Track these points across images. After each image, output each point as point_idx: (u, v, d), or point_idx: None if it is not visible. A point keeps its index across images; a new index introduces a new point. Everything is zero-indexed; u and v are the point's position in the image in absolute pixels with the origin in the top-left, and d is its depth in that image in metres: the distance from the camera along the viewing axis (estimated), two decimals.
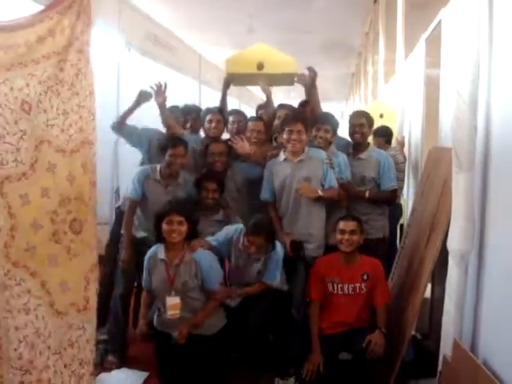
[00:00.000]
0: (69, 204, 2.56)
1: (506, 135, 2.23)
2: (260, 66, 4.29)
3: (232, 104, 5.06)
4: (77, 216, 2.61)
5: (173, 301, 3.17)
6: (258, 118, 4.37)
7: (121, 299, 3.85)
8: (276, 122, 4.18)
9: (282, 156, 3.74)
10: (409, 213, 4.22)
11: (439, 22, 3.96)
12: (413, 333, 3.50)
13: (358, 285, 3.41)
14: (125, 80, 5.69)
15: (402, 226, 5.01)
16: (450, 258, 2.55)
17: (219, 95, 4.71)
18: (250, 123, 4.21)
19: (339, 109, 22.37)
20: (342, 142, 4.23)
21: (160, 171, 3.79)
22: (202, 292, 3.20)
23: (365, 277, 3.40)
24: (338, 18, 9.54)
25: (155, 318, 3.30)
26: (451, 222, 2.54)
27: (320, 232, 3.68)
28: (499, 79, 2.33)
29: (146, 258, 3.28)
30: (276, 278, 3.49)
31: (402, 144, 5.31)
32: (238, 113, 4.64)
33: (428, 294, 3.56)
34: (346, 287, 3.42)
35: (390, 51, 7.30)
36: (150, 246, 3.37)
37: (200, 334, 3.16)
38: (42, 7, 2.76)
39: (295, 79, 4.38)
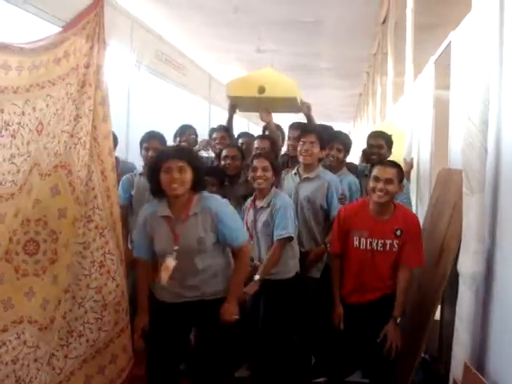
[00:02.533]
0: (27, 225, 2.53)
1: None
2: (261, 90, 4.21)
3: (241, 123, 5.08)
4: (34, 237, 2.58)
5: (167, 262, 2.74)
6: (264, 137, 4.37)
7: None
8: (288, 142, 4.22)
9: (294, 170, 3.76)
10: None
11: (449, 44, 3.97)
12: (422, 355, 3.47)
13: (389, 241, 3.03)
14: (135, 99, 5.74)
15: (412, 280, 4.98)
16: (460, 280, 2.53)
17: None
18: (256, 141, 4.23)
19: (346, 129, 22.42)
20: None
21: (143, 169, 3.81)
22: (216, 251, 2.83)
23: (398, 232, 3.02)
24: (346, 38, 9.65)
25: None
26: (462, 244, 2.52)
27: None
28: (509, 102, 2.34)
29: (141, 220, 2.86)
30: (288, 228, 3.25)
31: (410, 166, 5.29)
32: (247, 135, 4.75)
33: (437, 315, 3.53)
34: (374, 242, 3.05)
35: (399, 72, 7.34)
36: None
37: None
38: (51, 26, 2.83)
39: (299, 106, 4.39)
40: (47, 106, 2.48)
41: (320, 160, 3.74)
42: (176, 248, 2.71)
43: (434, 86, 4.76)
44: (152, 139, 3.80)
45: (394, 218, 3.06)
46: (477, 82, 2.42)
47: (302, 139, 3.63)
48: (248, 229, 3.39)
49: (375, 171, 3.04)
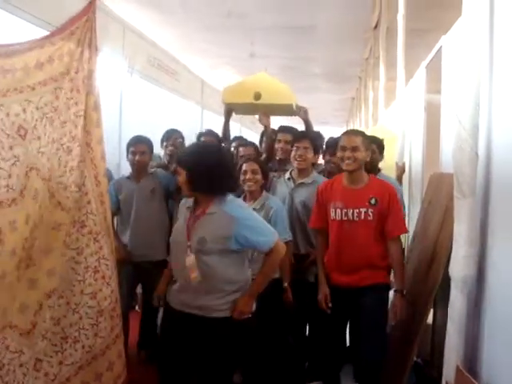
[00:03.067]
0: (36, 230, 2.55)
1: (507, 161, 2.24)
2: (257, 96, 4.25)
3: (233, 127, 5.09)
4: (39, 243, 2.60)
5: (187, 261, 2.62)
6: (248, 144, 4.37)
7: None
8: (277, 145, 4.12)
9: (287, 174, 3.77)
10: (410, 238, 4.22)
11: (440, 48, 4.00)
12: (415, 359, 3.47)
13: (363, 210, 3.06)
14: (127, 104, 5.74)
15: (402, 251, 4.99)
16: (452, 283, 2.54)
17: (221, 120, 4.76)
18: (240, 149, 4.22)
19: (339, 133, 22.39)
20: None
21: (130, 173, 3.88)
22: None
23: (372, 201, 3.06)
24: (339, 43, 9.67)
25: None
26: (453, 247, 2.53)
27: None
28: (500, 106, 2.35)
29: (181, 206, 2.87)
30: (287, 231, 3.40)
31: (402, 170, 5.31)
32: (241, 139, 4.82)
33: (430, 319, 3.54)
34: (350, 212, 3.08)
35: (391, 77, 7.36)
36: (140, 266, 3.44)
37: None
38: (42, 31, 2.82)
39: (295, 110, 4.39)
40: (24, 110, 2.46)
41: (314, 165, 3.80)
42: (189, 244, 2.62)
43: (426, 91, 4.79)
44: (139, 143, 3.85)
45: (367, 187, 3.12)
46: (467, 86, 2.43)
47: (295, 144, 3.66)
48: None
49: (341, 141, 3.12)
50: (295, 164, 3.67)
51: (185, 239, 2.65)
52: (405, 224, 3.24)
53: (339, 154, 3.12)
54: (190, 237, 2.64)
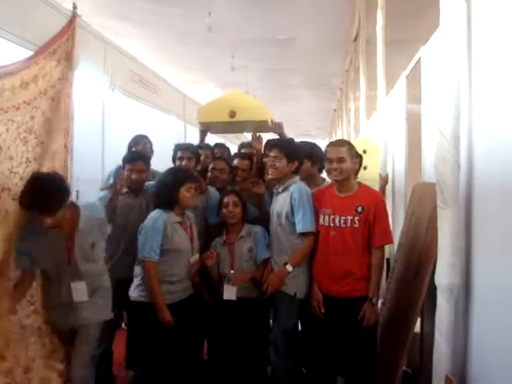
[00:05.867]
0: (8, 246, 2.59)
1: (488, 170, 2.27)
2: (232, 114, 4.23)
3: (217, 141, 5.13)
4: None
5: (195, 258, 3.45)
6: (245, 156, 4.29)
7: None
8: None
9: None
10: (395, 248, 4.24)
11: (419, 59, 4.04)
12: (404, 368, 3.47)
13: (350, 217, 3.13)
14: (109, 120, 5.72)
15: (388, 261, 5.01)
16: (438, 292, 2.55)
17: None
18: (236, 160, 4.19)
19: (322, 144, 22.44)
20: None
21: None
22: None
23: (359, 209, 3.12)
24: (319, 55, 9.75)
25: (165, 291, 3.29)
26: (438, 256, 2.55)
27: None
28: (480, 115, 2.38)
29: (159, 224, 3.29)
30: (266, 251, 3.53)
31: (385, 181, 5.33)
32: (222, 146, 4.90)
33: (417, 328, 3.55)
34: (337, 219, 3.16)
35: (371, 88, 7.42)
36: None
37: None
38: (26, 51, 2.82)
39: (270, 126, 4.38)
40: (7, 130, 2.45)
41: (296, 172, 3.53)
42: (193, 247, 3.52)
43: (406, 101, 4.83)
44: (136, 161, 3.74)
45: (355, 195, 3.20)
46: (447, 97, 2.46)
47: (266, 154, 3.55)
48: (227, 262, 3.57)
49: (327, 153, 3.20)
50: (267, 175, 3.54)
51: (190, 244, 3.42)
52: (391, 235, 3.29)
53: (326, 166, 3.19)
54: (193, 242, 3.44)
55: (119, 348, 3.99)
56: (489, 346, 2.24)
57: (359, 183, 3.29)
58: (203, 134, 4.64)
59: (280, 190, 3.48)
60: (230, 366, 3.56)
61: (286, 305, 3.40)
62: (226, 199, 3.55)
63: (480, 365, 2.36)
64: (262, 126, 4.42)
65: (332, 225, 3.19)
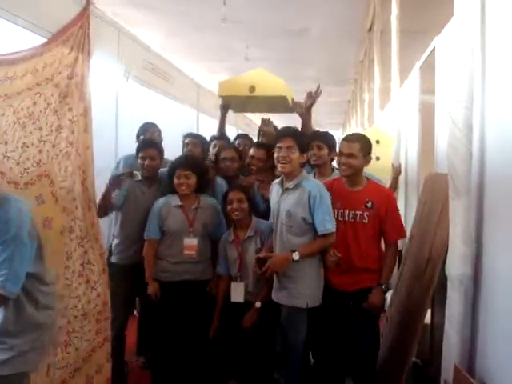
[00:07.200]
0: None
1: (500, 160, 2.25)
2: (251, 89, 4.27)
3: (229, 131, 5.12)
4: None
5: (191, 242, 3.53)
6: (260, 145, 4.24)
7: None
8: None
9: (279, 178, 3.40)
10: (407, 239, 4.23)
11: (433, 49, 4.01)
12: (413, 359, 3.48)
13: (359, 212, 3.14)
14: (123, 109, 5.75)
15: (400, 252, 4.99)
16: (448, 283, 2.55)
17: (217, 123, 4.79)
18: (252, 149, 4.16)
19: (336, 135, 22.36)
20: None
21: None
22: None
23: (369, 204, 3.13)
24: (334, 46, 9.68)
25: (160, 269, 3.58)
26: (449, 247, 2.54)
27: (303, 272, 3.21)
28: (493, 105, 2.36)
29: (157, 207, 3.60)
30: None
31: (397, 171, 5.31)
32: (245, 137, 4.81)
33: (428, 319, 3.54)
34: (346, 213, 3.17)
35: (385, 78, 7.38)
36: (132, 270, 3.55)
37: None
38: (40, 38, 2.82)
39: (291, 106, 4.38)
40: (3, 114, 2.46)
41: (303, 165, 3.43)
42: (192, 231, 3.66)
43: (420, 91, 4.80)
44: (148, 148, 3.81)
45: (365, 190, 3.21)
46: (460, 86, 2.45)
47: (277, 144, 3.22)
48: (235, 263, 3.54)
49: (340, 146, 3.22)
50: (279, 168, 3.25)
51: (187, 227, 3.56)
52: (404, 229, 3.33)
53: (337, 158, 3.22)
54: (192, 225, 3.58)
55: (130, 334, 4.02)
56: (498, 337, 2.23)
57: (367, 178, 3.29)
58: (224, 109, 4.66)
59: (291, 186, 3.23)
60: (236, 366, 3.60)
61: (297, 318, 3.24)
62: (230, 195, 3.51)
63: (489, 355, 2.36)
64: (283, 104, 4.43)
65: (341, 219, 3.20)
